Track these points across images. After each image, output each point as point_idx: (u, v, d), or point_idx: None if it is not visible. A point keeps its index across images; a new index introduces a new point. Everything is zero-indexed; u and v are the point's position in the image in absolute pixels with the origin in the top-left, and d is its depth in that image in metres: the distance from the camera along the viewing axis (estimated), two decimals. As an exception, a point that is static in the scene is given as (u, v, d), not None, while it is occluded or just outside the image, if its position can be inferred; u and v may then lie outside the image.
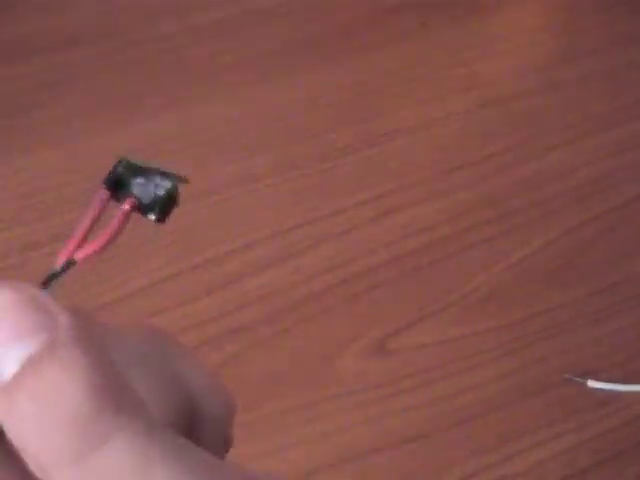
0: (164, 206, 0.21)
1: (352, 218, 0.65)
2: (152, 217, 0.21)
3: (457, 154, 0.70)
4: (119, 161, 0.21)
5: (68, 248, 0.20)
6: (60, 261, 0.20)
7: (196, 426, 0.23)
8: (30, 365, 0.17)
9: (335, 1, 0.82)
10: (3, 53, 0.77)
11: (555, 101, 0.74)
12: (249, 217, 0.65)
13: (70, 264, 0.20)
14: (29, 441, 0.17)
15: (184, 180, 0.21)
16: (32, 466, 0.17)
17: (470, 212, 0.66)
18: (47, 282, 0.20)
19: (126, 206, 0.21)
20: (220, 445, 0.24)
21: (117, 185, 0.21)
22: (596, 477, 0.53)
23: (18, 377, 0.17)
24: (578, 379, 0.56)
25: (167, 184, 0.21)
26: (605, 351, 0.58)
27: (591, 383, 0.56)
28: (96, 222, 0.21)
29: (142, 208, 0.21)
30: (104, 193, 0.21)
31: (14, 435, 0.17)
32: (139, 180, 0.21)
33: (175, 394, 0.22)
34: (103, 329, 0.22)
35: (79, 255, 0.20)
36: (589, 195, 0.67)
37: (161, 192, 0.21)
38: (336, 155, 0.69)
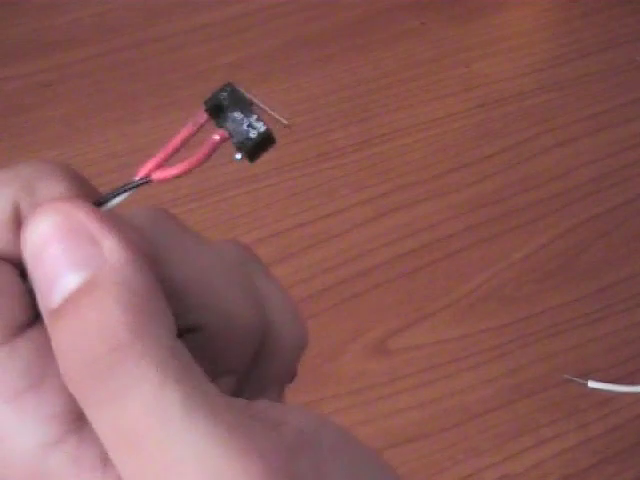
0: (252, 149, 0.20)
1: (352, 218, 0.65)
2: (237, 157, 0.20)
3: (457, 154, 0.70)
4: (225, 85, 0.21)
5: (149, 164, 0.20)
6: (139, 174, 0.20)
7: (267, 350, 0.23)
8: (68, 303, 0.18)
9: (335, 1, 0.82)
10: (3, 53, 0.77)
11: (555, 101, 0.74)
12: (249, 217, 0.65)
13: (146, 181, 0.20)
14: (61, 365, 0.18)
15: (287, 125, 0.20)
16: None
17: (470, 212, 0.66)
18: (117, 193, 0.19)
19: (215, 137, 0.20)
20: (285, 374, 0.24)
21: (217, 110, 0.20)
22: (596, 477, 0.53)
23: (59, 310, 0.18)
24: (578, 379, 0.56)
25: (261, 127, 0.20)
26: (605, 351, 0.58)
27: (591, 383, 0.56)
28: (186, 142, 0.20)
29: (233, 143, 0.20)
30: (201, 115, 0.20)
31: (55, 354, 0.18)
32: (236, 114, 0.20)
33: (254, 309, 0.22)
34: (189, 236, 0.21)
35: (157, 175, 0.19)
36: (589, 195, 0.67)
37: (252, 135, 0.20)
38: (336, 155, 0.69)
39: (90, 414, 0.18)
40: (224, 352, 0.21)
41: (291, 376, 0.24)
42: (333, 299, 0.60)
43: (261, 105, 0.20)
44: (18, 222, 0.19)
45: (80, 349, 0.17)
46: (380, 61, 0.77)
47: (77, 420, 0.18)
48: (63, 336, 0.18)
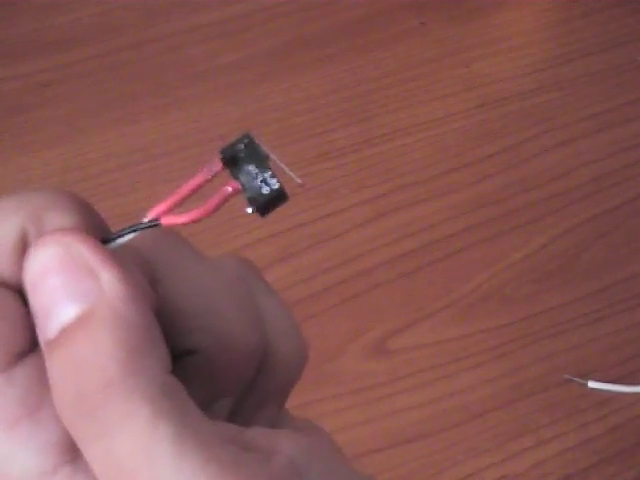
0: (264, 205, 0.20)
1: (352, 218, 0.65)
2: (248, 210, 0.20)
3: (457, 154, 0.70)
4: (243, 136, 0.20)
5: (160, 207, 0.20)
6: (149, 216, 0.20)
7: (267, 366, 0.23)
8: (63, 335, 0.18)
9: (335, 1, 0.82)
10: (3, 53, 0.77)
11: (555, 101, 0.74)
12: (249, 217, 0.64)
13: (155, 224, 0.20)
14: (55, 397, 0.18)
15: (301, 185, 0.20)
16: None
17: (470, 212, 0.66)
18: (124, 232, 0.20)
19: (228, 188, 0.20)
20: (285, 389, 0.24)
21: (233, 160, 0.20)
22: (596, 477, 0.53)
23: (55, 342, 0.18)
24: (578, 379, 0.56)
25: (274, 185, 0.20)
26: (605, 351, 0.58)
27: (591, 383, 0.56)
28: (199, 188, 0.20)
29: (245, 197, 0.20)
30: (216, 164, 0.20)
31: (50, 385, 0.18)
32: (250, 168, 0.20)
33: (254, 329, 0.22)
34: (189, 253, 0.21)
35: (166, 220, 0.20)
36: (589, 195, 0.67)
37: (265, 191, 0.20)
38: (336, 155, 0.69)
39: (82, 447, 0.18)
40: (223, 373, 0.21)
41: (291, 389, 0.24)
42: (333, 299, 0.60)
43: (277, 161, 0.20)
44: (23, 250, 0.19)
45: (72, 382, 0.17)
46: (380, 61, 0.77)
47: (73, 449, 0.18)
48: (57, 368, 0.18)
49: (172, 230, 0.22)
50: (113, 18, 0.80)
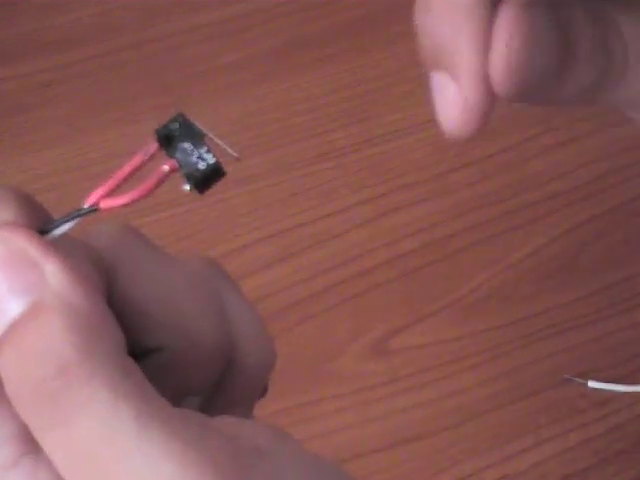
0: (201, 180, 0.20)
1: (352, 218, 0.65)
2: (185, 188, 0.20)
3: (457, 154, 0.70)
4: (177, 115, 0.21)
5: (98, 192, 0.20)
6: (88, 202, 0.20)
7: (234, 367, 0.23)
8: (12, 330, 0.18)
9: (335, 1, 0.82)
10: (3, 53, 0.77)
11: (555, 101, 0.74)
12: (249, 217, 0.65)
13: (93, 209, 0.20)
14: (11, 392, 0.18)
15: (237, 158, 0.20)
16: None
17: (470, 212, 0.66)
18: (63, 221, 0.20)
19: (165, 167, 0.20)
20: (254, 391, 0.24)
21: (168, 140, 0.20)
22: (596, 477, 0.53)
23: (3, 338, 0.18)
24: (578, 379, 0.56)
25: (210, 159, 0.20)
26: (605, 351, 0.58)
27: (591, 383, 0.56)
28: (136, 171, 0.20)
29: (182, 174, 0.20)
30: (152, 145, 0.21)
31: (4, 381, 0.18)
32: (185, 145, 0.20)
33: (219, 329, 0.22)
34: (154, 254, 0.21)
35: (105, 203, 0.20)
36: (589, 195, 0.67)
37: (201, 166, 0.20)
38: (336, 155, 0.69)
39: (42, 438, 0.18)
40: (188, 372, 0.21)
41: (261, 392, 0.24)
42: (333, 299, 0.60)
43: (212, 137, 0.20)
44: None
45: (29, 374, 0.17)
46: (380, 61, 0.77)
47: (33, 441, 0.18)
48: (10, 363, 0.18)
49: (135, 231, 0.22)
50: (113, 18, 0.80)
